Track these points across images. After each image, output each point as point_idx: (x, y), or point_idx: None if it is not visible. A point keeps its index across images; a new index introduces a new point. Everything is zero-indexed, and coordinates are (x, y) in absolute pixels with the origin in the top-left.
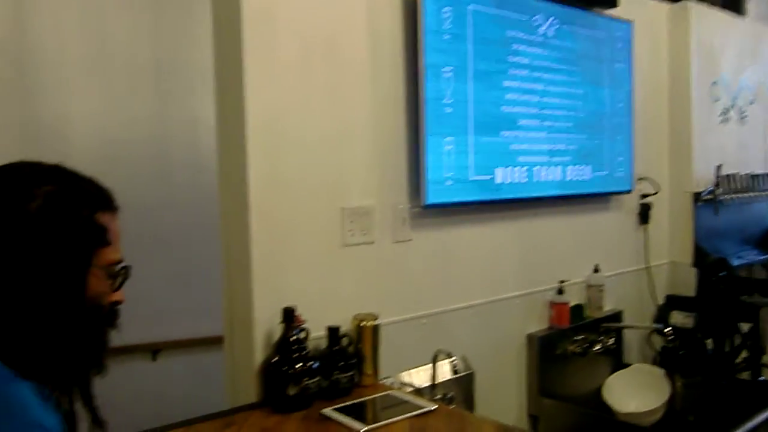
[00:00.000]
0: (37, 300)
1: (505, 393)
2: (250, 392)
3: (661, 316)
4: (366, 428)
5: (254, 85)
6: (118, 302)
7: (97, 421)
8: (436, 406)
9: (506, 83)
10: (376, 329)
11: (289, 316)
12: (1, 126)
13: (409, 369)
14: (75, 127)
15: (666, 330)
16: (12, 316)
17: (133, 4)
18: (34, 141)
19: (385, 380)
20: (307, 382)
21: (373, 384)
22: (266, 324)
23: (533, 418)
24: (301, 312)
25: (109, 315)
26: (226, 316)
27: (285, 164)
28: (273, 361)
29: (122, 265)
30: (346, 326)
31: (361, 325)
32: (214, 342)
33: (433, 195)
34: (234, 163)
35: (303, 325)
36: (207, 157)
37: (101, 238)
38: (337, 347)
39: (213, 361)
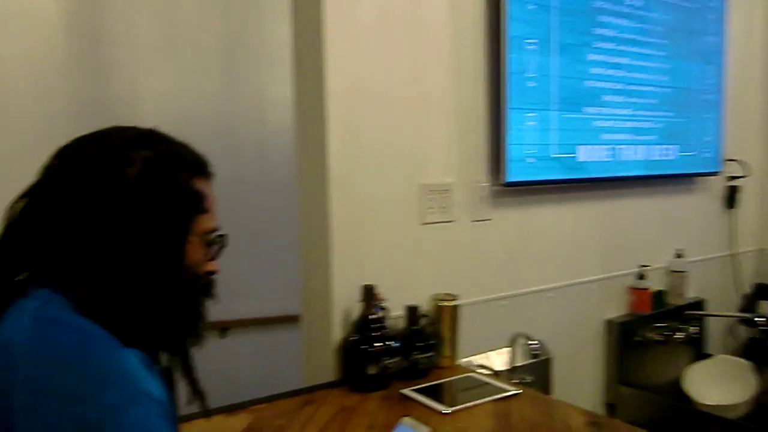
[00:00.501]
0: (137, 267)
1: (581, 379)
2: (327, 370)
3: (748, 305)
4: (450, 410)
5: (334, 57)
6: (213, 272)
7: (197, 391)
8: (520, 390)
9: (591, 57)
10: (455, 310)
11: (369, 294)
12: (76, 102)
13: (486, 351)
14: (146, 105)
15: (757, 319)
16: (111, 283)
17: None
18: (107, 117)
19: (462, 362)
20: (386, 362)
21: (451, 366)
22: (345, 302)
23: (610, 407)
24: (380, 290)
25: (206, 284)
26: (303, 293)
27: (364, 139)
28: (352, 339)
29: (218, 233)
30: (424, 306)
31: (440, 305)
32: (282, 321)
33: (514, 173)
34: (313, 137)
35: (382, 304)
36: (274, 135)
37: (199, 205)
38: (415, 327)
39: (282, 340)
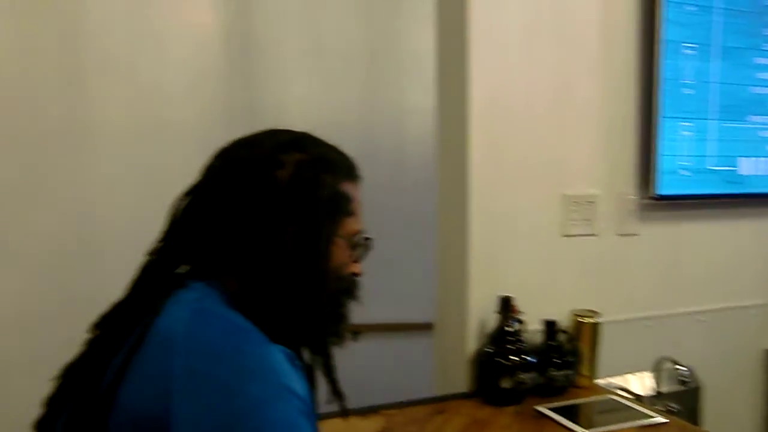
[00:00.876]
0: (284, 265)
1: (736, 414)
2: (460, 381)
3: None
4: None
5: (477, 65)
6: (357, 274)
7: (337, 392)
8: (668, 420)
9: (758, 60)
10: (595, 327)
11: (506, 306)
12: (228, 107)
13: (627, 373)
14: (291, 112)
15: None
16: (260, 280)
17: None
18: (255, 122)
19: (600, 382)
20: (521, 377)
21: (589, 386)
22: (480, 312)
23: None
24: (517, 302)
25: (350, 285)
26: (438, 301)
27: (506, 147)
28: (487, 351)
29: (364, 236)
30: (563, 321)
31: (580, 321)
32: (415, 328)
33: (666, 185)
34: (454, 146)
35: (519, 317)
36: (412, 143)
37: (346, 207)
38: (553, 343)
39: (414, 347)
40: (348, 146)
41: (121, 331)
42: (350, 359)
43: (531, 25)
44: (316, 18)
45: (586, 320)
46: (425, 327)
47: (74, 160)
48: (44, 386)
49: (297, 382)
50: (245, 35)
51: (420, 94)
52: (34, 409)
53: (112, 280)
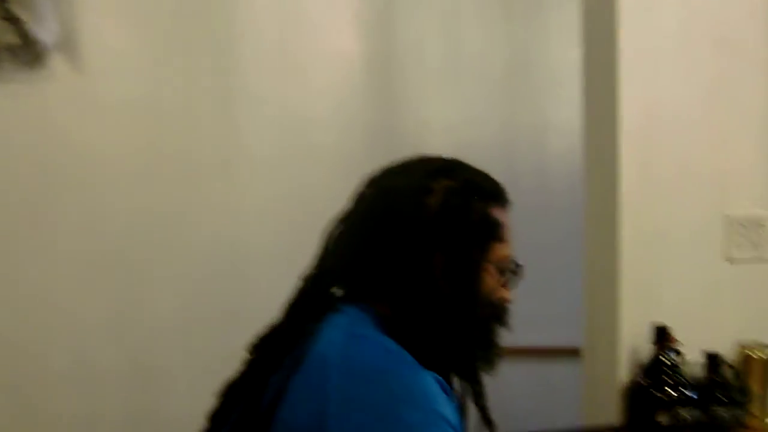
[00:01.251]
0: (435, 292)
1: None
2: (611, 413)
3: None
4: None
5: (628, 78)
6: (507, 300)
7: (487, 420)
8: None
9: None
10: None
11: (661, 335)
12: (369, 131)
13: None
14: (432, 132)
15: None
16: (411, 306)
17: (487, 9)
18: (396, 145)
19: None
20: (680, 412)
21: (760, 427)
22: (632, 340)
23: None
24: (674, 331)
25: (500, 312)
26: (586, 327)
27: (660, 162)
28: (641, 383)
29: (514, 261)
30: (727, 354)
31: (749, 355)
32: (560, 353)
33: None
34: (604, 163)
35: (677, 347)
36: (555, 160)
37: (495, 232)
38: (716, 377)
39: (559, 373)
40: (488, 167)
41: (279, 352)
42: (495, 384)
43: (685, 27)
44: (455, 37)
45: (756, 354)
46: (572, 353)
47: (226, 186)
48: (199, 395)
49: (448, 409)
50: (386, 59)
51: (563, 110)
52: (193, 419)
53: (260, 300)
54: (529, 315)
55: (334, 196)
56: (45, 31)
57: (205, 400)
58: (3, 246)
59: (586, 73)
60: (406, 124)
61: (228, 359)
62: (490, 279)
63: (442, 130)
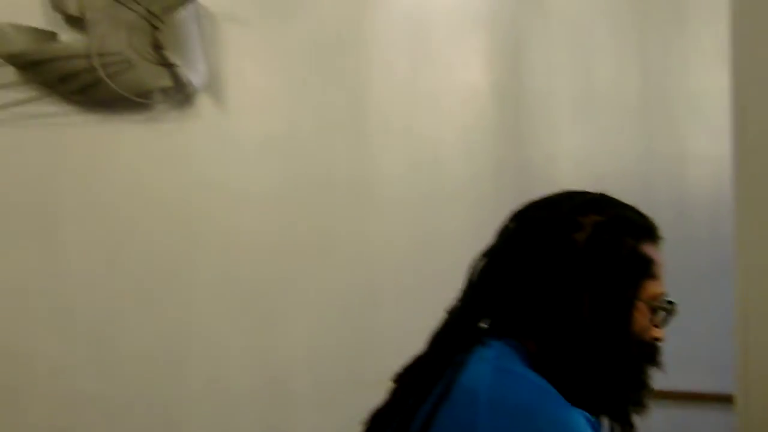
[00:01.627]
0: (583, 329)
1: None
2: None
3: None
4: None
5: None
6: (659, 339)
7: None
8: None
9: None
10: None
11: None
12: (498, 164)
13: None
14: (561, 166)
15: None
16: (559, 342)
17: (619, 38)
18: (525, 178)
19: None
20: None
21: None
22: None
23: None
24: None
25: (652, 352)
26: (739, 371)
27: None
28: None
29: (667, 299)
30: None
31: None
32: (709, 399)
33: None
34: (758, 193)
35: None
36: (695, 191)
37: (647, 269)
38: None
39: (708, 421)
40: (624, 199)
41: (426, 382)
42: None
43: None
44: (587, 66)
45: None
46: (722, 399)
47: (360, 216)
48: (329, 420)
49: None
50: (515, 90)
51: (703, 138)
52: None
53: (389, 330)
54: (672, 356)
55: (464, 228)
56: (195, 74)
57: (334, 424)
58: (151, 273)
59: (736, 98)
60: (536, 156)
61: (358, 386)
62: (642, 318)
63: (574, 162)
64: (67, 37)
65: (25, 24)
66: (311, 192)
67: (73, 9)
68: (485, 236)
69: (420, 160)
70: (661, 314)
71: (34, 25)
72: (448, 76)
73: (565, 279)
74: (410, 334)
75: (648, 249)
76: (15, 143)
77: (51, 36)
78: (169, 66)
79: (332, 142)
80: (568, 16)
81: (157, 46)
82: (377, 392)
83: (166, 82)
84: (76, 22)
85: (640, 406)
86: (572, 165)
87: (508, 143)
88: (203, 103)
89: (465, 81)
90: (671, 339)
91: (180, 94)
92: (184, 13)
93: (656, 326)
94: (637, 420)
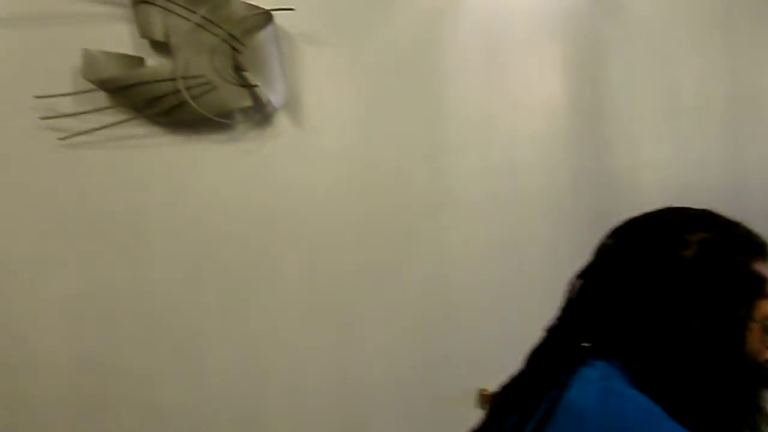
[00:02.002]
0: (692, 350)
1: None
2: None
3: None
4: None
5: None
6: None
7: None
8: None
9: None
10: None
11: None
12: (575, 175)
13: None
14: (643, 177)
15: None
16: (666, 363)
17: (706, 38)
18: (604, 189)
19: None
20: None
21: None
22: None
23: None
24: None
25: (766, 374)
26: None
27: None
28: None
29: None
30: None
31: None
32: None
33: None
34: None
35: None
36: None
37: (760, 288)
38: None
39: None
40: (711, 207)
41: (529, 401)
42: None
43: None
44: (670, 76)
45: None
46: None
47: (435, 232)
48: None
49: None
50: (594, 101)
51: None
52: None
53: (466, 348)
54: None
55: (542, 242)
56: (274, 94)
57: None
58: (235, 288)
59: None
60: (617, 168)
61: (435, 402)
62: (755, 338)
63: (658, 173)
64: (154, 61)
65: (115, 51)
66: (389, 208)
67: (159, 35)
68: (565, 251)
69: (496, 173)
70: None
71: (123, 51)
72: (523, 88)
73: (673, 298)
74: (487, 349)
75: (759, 267)
76: (107, 163)
77: (139, 61)
78: (249, 87)
79: (409, 157)
80: (648, 22)
81: (238, 68)
82: (455, 408)
83: (247, 102)
84: (161, 47)
85: (752, 429)
86: (657, 176)
87: (587, 153)
88: (282, 121)
89: (540, 93)
90: None
91: (260, 113)
92: (263, 35)
93: None
94: None
